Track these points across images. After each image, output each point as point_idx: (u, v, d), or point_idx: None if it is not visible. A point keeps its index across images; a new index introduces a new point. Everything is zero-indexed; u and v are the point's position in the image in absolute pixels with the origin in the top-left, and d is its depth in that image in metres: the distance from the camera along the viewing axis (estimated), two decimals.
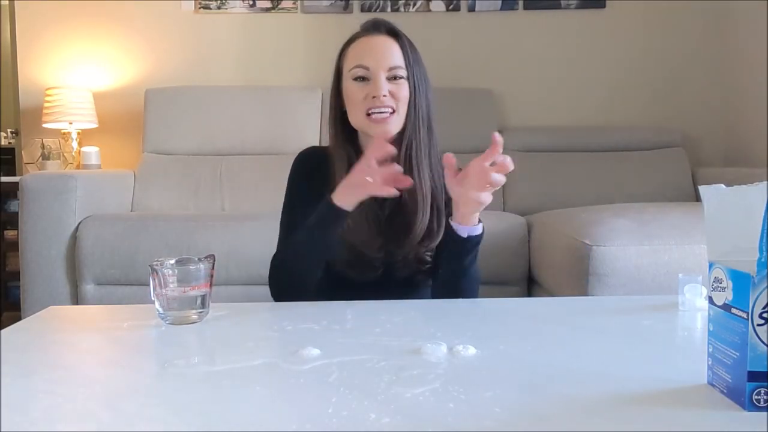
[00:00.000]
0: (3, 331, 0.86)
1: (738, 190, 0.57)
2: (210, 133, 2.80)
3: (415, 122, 1.15)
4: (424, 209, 1.13)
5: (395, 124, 1.13)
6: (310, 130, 2.82)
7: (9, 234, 2.97)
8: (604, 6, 3.06)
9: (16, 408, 0.58)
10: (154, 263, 0.90)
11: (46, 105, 2.86)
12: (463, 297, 1.12)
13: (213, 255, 0.94)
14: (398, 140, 1.14)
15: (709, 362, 0.62)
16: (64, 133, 2.93)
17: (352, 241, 1.13)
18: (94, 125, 2.94)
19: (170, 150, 2.79)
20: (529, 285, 2.14)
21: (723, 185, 0.60)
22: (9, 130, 3.79)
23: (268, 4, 3.05)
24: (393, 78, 1.13)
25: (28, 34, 3.04)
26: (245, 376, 0.68)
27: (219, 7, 3.04)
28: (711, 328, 0.61)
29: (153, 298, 0.90)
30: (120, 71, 3.06)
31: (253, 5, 3.05)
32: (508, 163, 0.98)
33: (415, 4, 3.05)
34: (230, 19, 3.06)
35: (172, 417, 0.56)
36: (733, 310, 0.57)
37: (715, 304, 0.61)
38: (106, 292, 2.11)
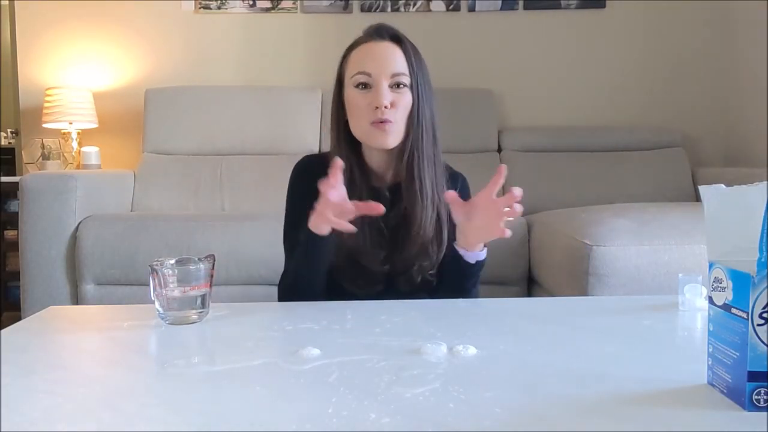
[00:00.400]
0: (3, 331, 0.86)
1: (738, 190, 0.57)
2: (210, 133, 2.80)
3: (417, 131, 1.12)
4: (425, 219, 1.12)
5: (396, 135, 1.11)
6: (310, 130, 2.83)
7: (9, 234, 2.97)
8: (604, 6, 3.06)
9: (16, 408, 0.58)
10: (154, 263, 0.90)
11: (46, 105, 2.86)
12: None
13: (213, 255, 0.94)
14: (400, 149, 1.13)
15: (709, 362, 0.62)
16: (64, 133, 2.93)
17: (355, 255, 1.12)
18: (94, 125, 2.94)
19: (170, 150, 2.79)
20: (529, 285, 2.14)
21: (723, 185, 0.60)
22: (9, 130, 3.78)
23: (268, 4, 3.05)
24: (396, 86, 1.10)
25: (28, 34, 3.04)
26: (245, 376, 0.68)
27: (219, 7, 3.04)
28: (711, 328, 0.61)
29: (153, 298, 0.90)
30: (120, 71, 3.06)
31: (253, 5, 3.05)
32: (517, 193, 0.97)
33: (415, 4, 3.05)
34: (230, 19, 3.06)
35: (172, 417, 0.56)
36: (733, 310, 0.57)
37: (715, 304, 0.61)
38: (106, 292, 2.10)
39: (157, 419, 0.56)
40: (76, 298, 2.12)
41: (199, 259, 0.92)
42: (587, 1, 3.05)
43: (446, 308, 1.02)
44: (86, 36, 3.04)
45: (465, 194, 1.23)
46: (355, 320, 0.92)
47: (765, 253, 0.53)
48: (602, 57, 3.08)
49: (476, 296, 1.16)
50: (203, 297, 0.91)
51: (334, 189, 0.99)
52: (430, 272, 1.16)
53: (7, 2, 3.26)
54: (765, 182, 0.54)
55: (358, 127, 1.13)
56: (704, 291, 0.97)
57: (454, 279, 1.13)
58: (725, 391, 0.58)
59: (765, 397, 0.55)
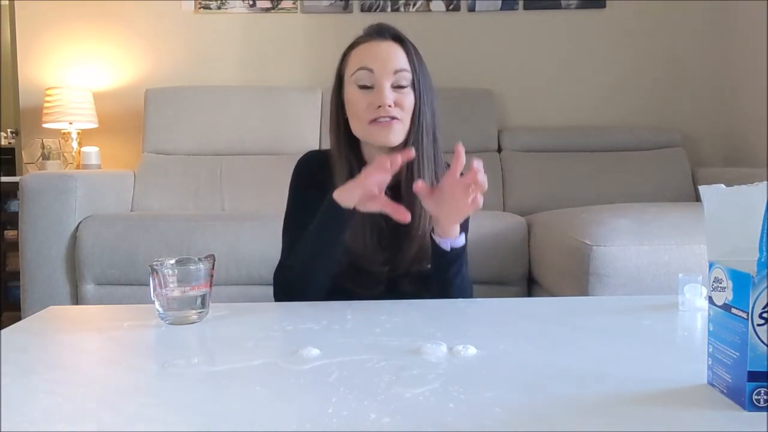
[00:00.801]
0: (3, 331, 0.86)
1: (738, 190, 0.57)
2: (210, 133, 2.80)
3: (419, 132, 1.12)
4: (425, 219, 1.11)
5: (398, 133, 1.10)
6: (310, 130, 2.83)
7: (9, 234, 2.97)
8: (604, 6, 3.06)
9: (16, 408, 0.58)
10: (154, 263, 0.90)
11: (46, 105, 2.86)
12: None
13: (213, 255, 0.94)
14: (401, 149, 1.11)
15: (709, 362, 0.62)
16: (64, 133, 2.93)
17: (356, 255, 1.12)
18: (94, 125, 2.94)
19: (170, 150, 2.79)
20: (529, 285, 2.14)
21: (723, 185, 0.60)
22: (9, 130, 3.78)
23: (268, 4, 3.05)
24: (398, 86, 1.10)
25: (28, 34, 3.04)
26: (245, 376, 0.68)
27: (219, 7, 3.04)
28: (711, 328, 0.61)
29: (153, 298, 0.90)
30: (120, 71, 3.06)
31: (253, 5, 3.05)
32: (477, 165, 0.96)
33: (415, 4, 3.05)
34: (230, 19, 3.06)
35: (172, 417, 0.56)
36: (733, 310, 0.57)
37: (715, 304, 0.61)
38: (106, 292, 2.11)
39: (157, 419, 0.56)
40: (76, 298, 2.12)
41: (199, 259, 0.92)
42: (587, 1, 3.05)
43: (446, 308, 1.02)
44: (86, 36, 3.04)
45: None
46: (355, 320, 0.92)
47: (765, 253, 0.53)
48: (602, 57, 3.08)
49: (464, 287, 1.14)
50: (203, 297, 0.91)
51: (387, 172, 1.00)
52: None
53: (7, 2, 3.26)
54: (765, 182, 0.54)
55: (359, 126, 1.12)
56: (704, 291, 0.97)
57: (435, 270, 1.12)
58: (725, 391, 0.58)
59: (765, 397, 0.55)
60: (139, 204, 2.63)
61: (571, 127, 2.98)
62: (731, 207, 0.58)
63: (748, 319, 0.55)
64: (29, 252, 2.12)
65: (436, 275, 1.12)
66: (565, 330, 0.88)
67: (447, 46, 3.03)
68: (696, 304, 0.98)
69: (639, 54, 3.08)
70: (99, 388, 0.65)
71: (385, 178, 1.01)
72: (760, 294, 0.54)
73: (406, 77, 1.10)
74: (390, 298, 1.10)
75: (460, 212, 1.04)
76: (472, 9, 3.06)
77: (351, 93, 1.12)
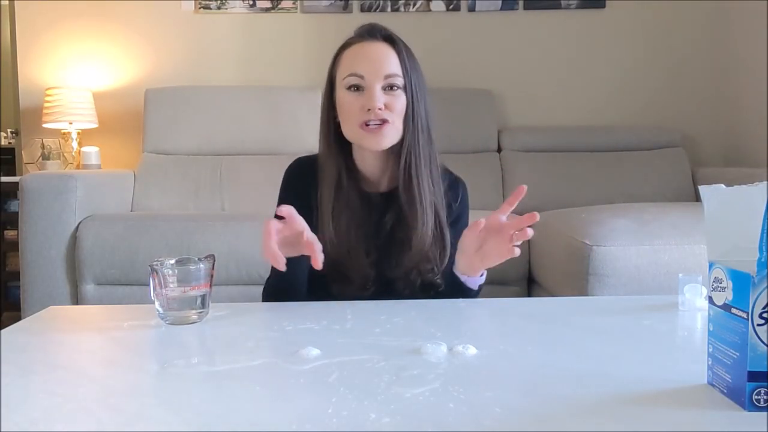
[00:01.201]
0: (3, 331, 0.86)
1: (738, 190, 0.57)
2: (210, 133, 2.80)
3: (413, 133, 1.10)
4: (425, 221, 1.11)
5: (390, 137, 1.09)
6: (310, 130, 2.82)
7: (9, 234, 2.97)
8: (604, 6, 3.06)
9: (16, 408, 0.58)
10: (154, 263, 0.90)
11: (46, 105, 2.86)
12: None
13: (213, 255, 0.94)
14: (397, 153, 1.11)
15: (709, 362, 0.62)
16: (64, 133, 2.93)
17: (338, 264, 1.10)
18: (94, 125, 2.94)
19: (170, 150, 2.79)
20: (529, 285, 2.14)
21: (723, 185, 0.60)
22: (9, 130, 3.79)
23: (268, 4, 3.05)
24: (389, 87, 1.08)
25: (28, 34, 3.04)
26: (245, 376, 0.68)
27: (219, 7, 3.04)
28: (711, 328, 0.61)
29: (153, 298, 0.90)
30: (120, 71, 3.06)
31: (253, 5, 3.05)
32: (537, 216, 0.99)
33: (415, 4, 3.05)
34: (230, 19, 3.06)
35: (172, 417, 0.56)
36: (733, 310, 0.57)
37: (715, 304, 0.61)
38: (106, 292, 2.11)
39: (157, 419, 0.56)
40: (76, 298, 2.12)
41: (199, 259, 0.92)
42: (587, 1, 3.05)
43: (446, 308, 1.02)
44: (86, 36, 3.04)
45: (465, 203, 1.22)
46: (355, 320, 0.92)
47: (765, 253, 0.53)
48: (602, 57, 3.08)
49: None
50: (203, 297, 0.91)
51: (270, 235, 0.93)
52: (437, 277, 1.14)
53: (7, 2, 3.26)
54: (765, 182, 0.54)
55: (350, 130, 1.10)
56: (704, 291, 0.97)
57: (450, 296, 1.12)
58: (725, 391, 0.58)
59: (765, 397, 0.55)
60: (139, 204, 2.63)
61: (571, 127, 2.98)
62: (731, 207, 0.58)
63: (748, 319, 0.55)
64: (29, 252, 2.12)
65: (446, 297, 1.12)
66: (565, 330, 0.88)
67: (447, 46, 3.03)
68: (696, 304, 0.98)
69: (639, 54, 3.08)
70: (99, 388, 0.65)
71: (285, 229, 0.96)
72: (760, 294, 0.54)
73: (398, 81, 1.09)
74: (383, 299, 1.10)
75: (499, 255, 1.02)
76: (472, 9, 3.06)
77: (342, 96, 1.10)
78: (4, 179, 2.80)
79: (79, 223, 2.13)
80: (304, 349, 0.74)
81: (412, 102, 1.10)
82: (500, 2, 3.05)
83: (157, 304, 0.90)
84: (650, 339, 0.85)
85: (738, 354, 0.56)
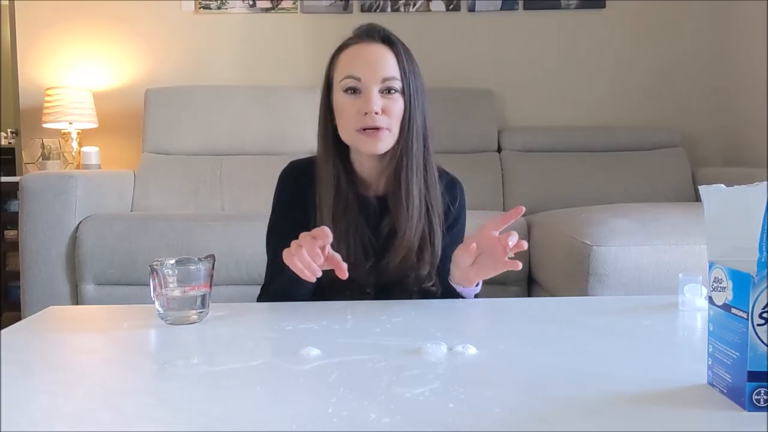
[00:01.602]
0: (3, 331, 0.86)
1: (738, 190, 0.57)
2: (210, 133, 2.80)
3: (408, 138, 1.09)
4: (411, 227, 1.09)
5: (386, 142, 1.08)
6: (310, 130, 2.80)
7: (9, 234, 2.97)
8: (604, 6, 3.06)
9: (16, 408, 0.58)
10: (154, 263, 0.90)
11: (46, 105, 2.86)
12: None
13: (213, 255, 0.94)
14: (390, 157, 1.11)
15: (709, 362, 0.62)
16: (64, 133, 2.93)
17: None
18: (94, 125, 2.94)
19: (170, 150, 2.78)
20: (529, 285, 2.14)
21: (723, 185, 0.60)
22: (9, 130, 3.79)
23: (268, 4, 3.05)
24: (386, 90, 1.07)
25: (28, 34, 3.04)
26: (245, 376, 0.68)
27: (219, 7, 3.04)
28: (711, 328, 0.61)
29: (153, 298, 0.90)
30: (120, 71, 3.06)
31: (253, 5, 3.05)
32: (524, 244, 0.99)
33: (415, 4, 3.05)
34: (230, 19, 3.06)
35: (172, 417, 0.56)
36: (733, 310, 0.57)
37: (715, 304, 0.61)
38: (106, 292, 2.10)
39: (157, 419, 0.56)
40: (76, 298, 2.12)
41: (199, 259, 0.92)
42: (587, 1, 3.05)
43: (446, 308, 1.02)
44: (86, 36, 3.04)
45: (462, 204, 1.22)
46: (355, 320, 0.92)
47: (765, 253, 0.53)
48: (602, 57, 3.08)
49: None
50: (203, 297, 0.91)
51: (316, 246, 0.93)
52: (431, 285, 1.13)
53: (7, 2, 3.26)
54: (765, 182, 0.54)
55: (347, 133, 1.09)
56: (704, 291, 0.97)
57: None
58: (725, 391, 0.58)
59: (765, 397, 0.55)
60: (139, 204, 2.63)
61: (571, 127, 2.98)
62: (731, 207, 0.58)
63: (748, 319, 0.55)
64: (29, 252, 2.12)
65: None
66: (565, 330, 0.88)
67: (447, 46, 3.03)
68: (696, 304, 0.98)
69: (639, 54, 3.08)
70: (99, 388, 0.65)
71: (318, 245, 0.93)
72: (760, 294, 0.54)
73: (395, 85, 1.07)
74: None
75: (494, 268, 1.02)
76: (472, 9, 3.06)
77: (339, 99, 1.10)
78: (4, 179, 2.79)
79: (79, 223, 2.13)
80: (304, 349, 0.74)
81: (410, 106, 1.09)
82: (500, 2, 3.05)
83: (157, 304, 0.90)
84: (650, 339, 0.85)
85: (738, 354, 0.56)
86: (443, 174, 1.19)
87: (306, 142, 2.78)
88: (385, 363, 0.70)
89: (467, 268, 1.04)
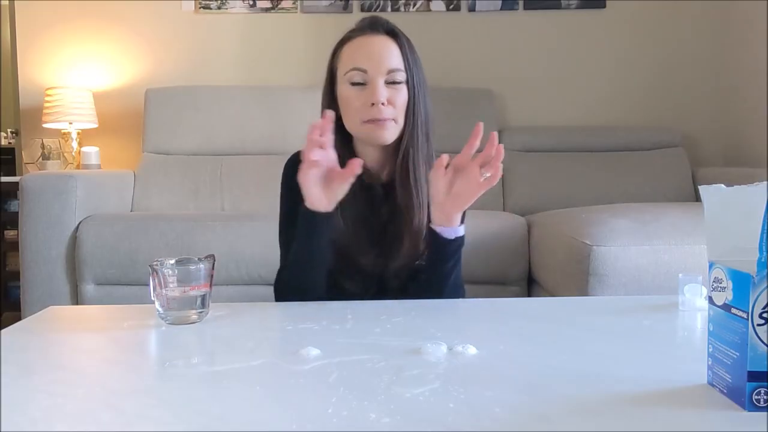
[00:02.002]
0: (3, 331, 0.86)
1: (738, 190, 0.57)
2: (210, 133, 2.80)
3: (413, 129, 1.10)
4: (421, 217, 1.11)
5: (392, 132, 1.09)
6: None
7: (9, 234, 2.97)
8: (604, 6, 3.06)
9: (16, 408, 0.58)
10: (154, 263, 0.90)
11: (46, 105, 2.86)
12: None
13: (213, 255, 0.94)
14: (395, 147, 1.12)
15: (709, 362, 0.62)
16: (64, 133, 2.93)
17: (349, 252, 1.11)
18: (94, 125, 2.94)
19: (170, 150, 2.79)
20: (529, 285, 2.14)
21: (723, 185, 0.60)
22: (9, 130, 3.79)
23: (268, 4, 3.05)
24: (391, 82, 1.08)
25: (28, 34, 3.04)
26: (245, 376, 0.68)
27: (219, 7, 3.04)
28: (711, 328, 0.61)
29: (153, 298, 0.90)
30: (120, 71, 3.06)
31: (253, 5, 3.05)
32: (501, 148, 0.95)
33: (415, 4, 3.05)
34: (230, 19, 3.06)
35: (172, 417, 0.56)
36: (733, 310, 0.57)
37: (715, 304, 0.61)
38: (106, 292, 2.10)
39: (157, 419, 0.56)
40: (76, 298, 2.12)
41: (199, 259, 0.92)
42: (587, 1, 3.05)
43: (446, 308, 1.02)
44: (86, 36, 3.04)
45: None
46: (355, 320, 0.92)
47: (765, 253, 0.53)
48: (602, 57, 3.08)
49: (457, 287, 1.12)
50: (203, 297, 0.91)
51: (323, 134, 0.97)
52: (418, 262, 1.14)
53: (7, 2, 3.26)
54: (765, 182, 0.54)
55: (353, 125, 1.11)
56: (704, 291, 0.97)
57: (433, 263, 1.09)
58: (725, 391, 0.58)
59: (765, 397, 0.55)
60: (139, 204, 2.63)
61: (570, 127, 2.98)
62: (731, 207, 0.58)
63: (748, 319, 0.55)
64: (29, 252, 2.12)
65: (430, 270, 1.10)
66: (565, 330, 0.88)
67: (447, 46, 3.03)
68: (696, 304, 0.98)
69: (639, 54, 3.08)
70: (99, 388, 0.65)
71: (324, 154, 0.98)
72: (760, 294, 0.54)
73: (400, 76, 1.09)
74: (378, 295, 1.11)
75: (470, 192, 1.00)
76: (472, 9, 3.06)
77: (344, 91, 1.11)
78: (4, 179, 2.79)
79: (79, 223, 2.13)
80: (304, 349, 0.74)
81: (414, 97, 1.10)
82: (500, 2, 3.05)
83: (157, 304, 0.90)
84: (650, 339, 0.85)
85: (738, 354, 0.56)
86: None
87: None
88: (385, 363, 0.70)
89: (443, 198, 1.02)
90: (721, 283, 0.59)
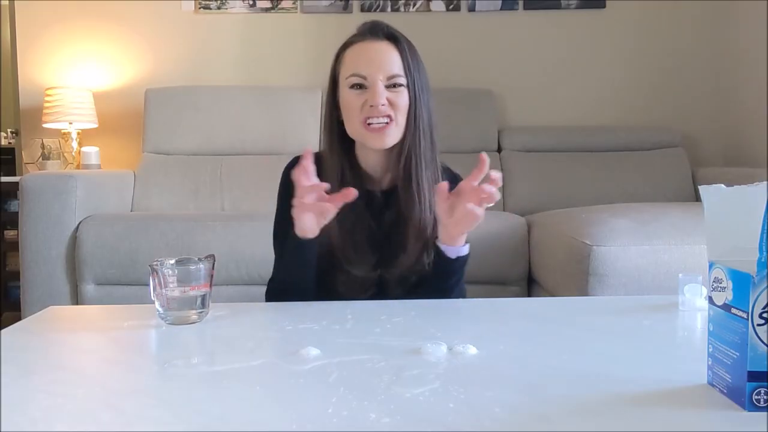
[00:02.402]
0: (3, 331, 0.86)
1: (738, 190, 0.57)
2: (210, 133, 2.80)
3: (415, 133, 1.10)
4: (424, 221, 1.10)
5: (393, 135, 1.09)
6: (310, 130, 2.82)
7: (9, 234, 2.97)
8: (604, 6, 3.06)
9: (16, 408, 0.58)
10: (154, 263, 0.90)
11: (46, 105, 2.86)
12: None
13: (213, 255, 0.94)
14: (397, 152, 1.11)
15: (709, 362, 0.62)
16: (64, 133, 2.93)
17: (345, 258, 1.11)
18: (94, 125, 2.94)
19: (170, 150, 2.79)
20: (529, 285, 2.14)
21: (723, 185, 0.60)
22: (9, 130, 3.79)
23: (268, 4, 3.05)
24: (392, 86, 1.08)
25: (28, 34, 3.04)
26: (245, 376, 0.68)
27: (219, 7, 3.04)
28: (711, 328, 0.61)
29: (153, 298, 0.90)
30: (120, 71, 3.06)
31: (253, 5, 3.05)
32: (497, 178, 0.96)
33: (415, 4, 3.05)
34: (230, 19, 3.06)
35: (172, 417, 0.56)
36: (733, 310, 0.57)
37: (715, 304, 0.61)
38: (106, 292, 2.11)
39: (157, 419, 0.56)
40: (76, 298, 2.12)
41: (199, 259, 0.92)
42: (587, 1, 3.05)
43: (446, 308, 1.02)
44: (86, 36, 3.04)
45: None
46: (355, 320, 0.92)
47: (765, 253, 0.53)
48: (602, 57, 3.08)
49: (462, 295, 1.14)
50: (203, 297, 0.91)
51: (305, 174, 0.98)
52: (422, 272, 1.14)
53: (7, 2, 3.26)
54: (765, 182, 0.54)
55: (354, 128, 1.11)
56: (704, 291, 0.97)
57: (436, 277, 1.11)
58: (725, 391, 0.58)
59: (765, 397, 0.55)
60: (139, 204, 2.63)
61: (571, 127, 2.98)
62: (731, 207, 0.58)
63: (748, 319, 0.55)
64: (29, 252, 2.12)
65: (435, 283, 1.11)
66: (565, 330, 0.88)
67: (447, 46, 3.03)
68: (696, 304, 0.98)
69: (639, 54, 3.08)
70: (99, 388, 0.65)
71: (313, 186, 0.99)
72: (760, 294, 0.54)
73: (401, 80, 1.09)
74: (381, 299, 1.10)
75: (471, 220, 1.01)
76: (472, 9, 3.06)
77: (345, 95, 1.11)
78: (4, 179, 2.79)
79: (79, 223, 2.13)
80: (304, 349, 0.74)
81: (415, 102, 1.10)
82: (500, 2, 3.05)
83: (157, 304, 0.90)
84: (650, 339, 0.85)
85: (738, 354, 0.56)
86: (447, 171, 1.20)
87: (306, 141, 2.78)
88: (385, 363, 0.70)
89: (446, 220, 1.04)
90: (721, 283, 0.59)
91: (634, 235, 1.65)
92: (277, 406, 0.59)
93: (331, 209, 1.00)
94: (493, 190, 0.96)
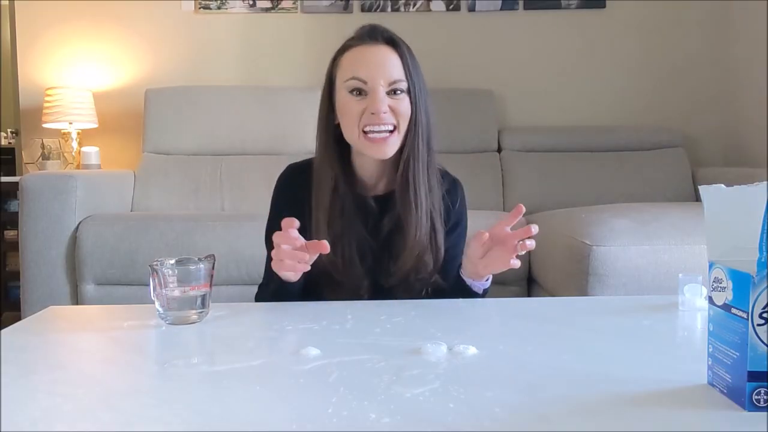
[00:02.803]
0: (3, 331, 0.86)
1: (738, 190, 0.57)
2: (210, 133, 2.80)
3: (414, 139, 1.08)
4: (420, 227, 1.09)
5: (394, 145, 1.08)
6: (310, 130, 2.79)
7: (9, 234, 2.97)
8: (604, 6, 3.06)
9: (16, 408, 0.58)
10: (154, 263, 0.90)
11: (46, 105, 2.86)
12: None
13: (213, 255, 0.94)
14: (396, 158, 1.10)
15: (709, 362, 0.62)
16: (64, 133, 2.93)
17: (333, 271, 1.10)
18: (94, 125, 2.94)
19: (170, 150, 2.79)
20: (529, 285, 2.14)
21: (723, 185, 0.60)
22: (9, 130, 3.78)
23: (268, 4, 3.05)
24: (392, 92, 1.06)
25: (28, 34, 3.04)
26: (245, 376, 0.68)
27: (219, 7, 3.04)
28: (711, 328, 0.61)
29: (153, 298, 0.90)
30: (120, 71, 3.06)
31: (253, 5, 3.05)
32: (534, 230, 0.99)
33: (415, 4, 3.05)
34: (230, 19, 3.06)
35: (172, 417, 0.56)
36: (733, 310, 0.57)
37: (715, 304, 0.61)
38: (106, 292, 2.10)
39: (157, 419, 0.56)
40: (76, 298, 2.12)
41: (199, 259, 0.92)
42: (587, 1, 3.05)
43: (446, 308, 1.02)
44: (86, 36, 3.04)
45: (464, 205, 1.22)
46: (355, 320, 0.92)
47: (765, 253, 0.53)
48: (602, 57, 3.08)
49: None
50: (203, 297, 0.91)
51: (287, 238, 0.98)
52: (432, 279, 1.14)
53: (7, 2, 3.26)
54: (765, 182, 0.54)
55: (353, 136, 1.08)
56: (704, 291, 0.97)
57: (457, 296, 1.12)
58: (725, 391, 0.58)
59: (765, 397, 0.55)
60: (139, 204, 2.63)
61: (571, 127, 2.98)
62: (731, 207, 0.58)
63: (748, 319, 0.55)
64: (29, 252, 2.12)
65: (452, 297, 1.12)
66: (565, 330, 0.88)
67: (447, 46, 3.03)
68: (696, 304, 0.98)
69: (639, 54, 3.08)
70: (99, 388, 0.65)
71: (293, 238, 0.98)
72: (760, 294, 0.54)
73: (402, 86, 1.07)
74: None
75: (501, 264, 1.05)
76: (472, 9, 3.06)
77: (343, 98, 1.08)
78: (4, 179, 2.79)
79: (79, 223, 2.13)
80: (304, 349, 0.74)
81: (415, 106, 1.08)
82: (500, 2, 3.05)
83: (157, 304, 0.90)
84: (650, 339, 0.85)
85: (738, 354, 0.56)
86: (445, 175, 1.19)
87: (306, 142, 2.78)
88: (385, 363, 0.70)
89: (477, 261, 1.06)
90: (721, 283, 0.59)
91: (634, 235, 1.65)
92: (277, 406, 0.59)
93: (306, 258, 0.99)
94: (532, 245, 1.00)
